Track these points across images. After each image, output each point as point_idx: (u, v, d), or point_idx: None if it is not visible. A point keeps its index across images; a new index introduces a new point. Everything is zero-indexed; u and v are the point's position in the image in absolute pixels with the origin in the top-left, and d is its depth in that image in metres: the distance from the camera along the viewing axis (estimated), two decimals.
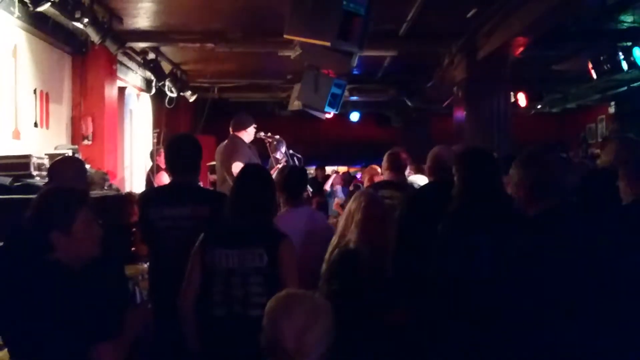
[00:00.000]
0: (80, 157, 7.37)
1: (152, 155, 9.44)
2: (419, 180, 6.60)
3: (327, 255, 4.05)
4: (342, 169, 17.26)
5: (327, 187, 13.10)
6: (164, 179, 9.07)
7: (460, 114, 9.93)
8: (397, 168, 5.70)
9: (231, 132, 7.25)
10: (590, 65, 9.72)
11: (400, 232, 4.15)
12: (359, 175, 10.70)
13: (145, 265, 5.17)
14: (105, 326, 2.74)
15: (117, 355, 2.74)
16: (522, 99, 13.09)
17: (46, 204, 2.77)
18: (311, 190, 9.06)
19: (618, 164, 3.80)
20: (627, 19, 8.36)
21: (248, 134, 7.25)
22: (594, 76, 9.82)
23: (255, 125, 7.37)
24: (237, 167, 6.75)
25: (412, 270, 3.95)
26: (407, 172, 6.23)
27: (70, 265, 2.73)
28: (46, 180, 4.91)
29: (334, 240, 4.10)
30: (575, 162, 6.99)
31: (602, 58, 9.43)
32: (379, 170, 8.67)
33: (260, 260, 3.38)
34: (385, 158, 5.80)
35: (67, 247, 2.70)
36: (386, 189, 5.47)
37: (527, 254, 2.92)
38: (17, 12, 6.68)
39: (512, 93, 11.37)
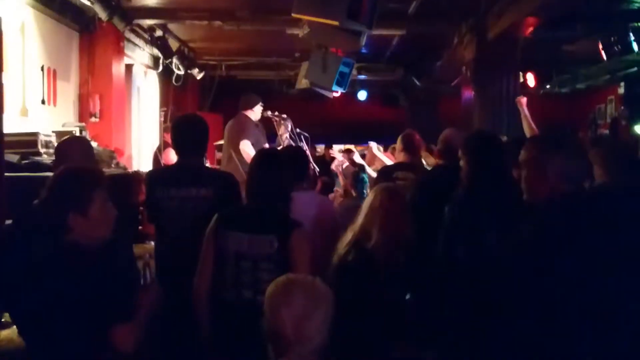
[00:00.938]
0: (87, 134, 7.38)
1: (159, 133, 9.43)
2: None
3: (341, 251, 3.91)
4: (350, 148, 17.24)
5: (334, 166, 13.06)
6: (172, 156, 9.04)
7: (468, 94, 9.88)
8: (412, 150, 5.67)
9: (239, 111, 7.26)
10: (600, 46, 9.64)
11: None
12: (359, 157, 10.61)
13: (152, 244, 5.18)
14: (121, 307, 2.75)
15: (134, 337, 2.75)
16: (530, 80, 13.02)
17: (63, 185, 2.76)
18: (318, 170, 9.04)
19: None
20: None
21: (255, 113, 7.28)
22: (604, 57, 9.74)
23: (262, 104, 7.37)
24: (244, 145, 6.77)
25: (421, 254, 3.92)
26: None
27: (86, 246, 2.72)
28: (53, 158, 4.92)
29: (349, 235, 3.94)
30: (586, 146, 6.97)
31: (612, 39, 9.34)
32: (375, 149, 8.54)
33: (270, 246, 3.36)
34: (399, 140, 5.76)
35: (84, 229, 2.70)
36: (401, 170, 5.45)
37: (534, 240, 2.89)
38: None
39: (520, 73, 11.29)
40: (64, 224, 2.67)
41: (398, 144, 5.77)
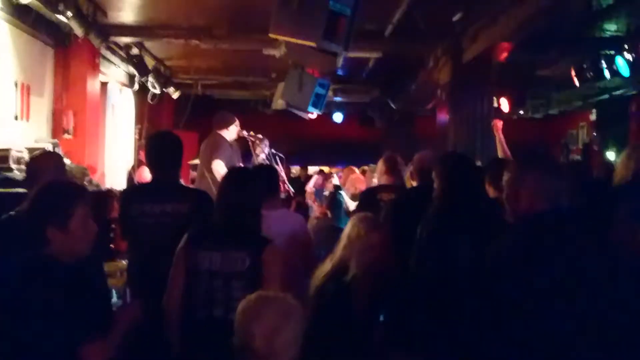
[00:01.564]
0: (60, 151, 7.31)
1: (134, 151, 9.39)
2: None
3: (318, 282, 3.88)
4: (325, 169, 17.29)
5: (309, 187, 13.05)
6: (146, 174, 9.02)
7: (443, 116, 9.96)
8: (395, 171, 5.68)
9: (213, 130, 7.25)
10: (573, 72, 9.79)
11: None
12: (337, 177, 10.64)
13: (125, 262, 5.13)
14: (94, 324, 2.72)
15: (105, 354, 2.72)
16: (504, 104, 13.14)
17: (43, 199, 2.75)
18: (293, 190, 9.04)
19: None
20: (611, 27, 8.42)
21: (230, 132, 7.27)
22: (577, 83, 9.88)
23: (237, 124, 7.37)
24: (216, 164, 6.75)
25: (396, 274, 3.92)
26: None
27: (63, 261, 2.69)
28: (24, 174, 4.86)
29: (328, 266, 3.91)
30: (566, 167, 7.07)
31: (585, 65, 9.49)
32: (358, 173, 8.65)
33: (242, 264, 3.35)
34: (381, 162, 5.78)
35: (63, 244, 2.69)
36: (385, 191, 5.47)
37: (506, 258, 2.92)
38: (0, 4, 6.61)
39: (494, 98, 11.41)
40: (43, 237, 2.65)
41: (380, 166, 5.78)
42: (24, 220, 2.77)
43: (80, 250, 2.77)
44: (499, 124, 6.16)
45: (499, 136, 6.09)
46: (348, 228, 3.96)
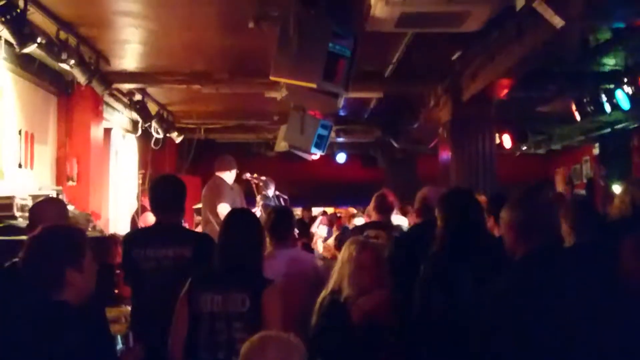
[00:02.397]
0: (64, 198, 7.32)
1: (137, 197, 9.41)
2: (399, 221, 6.71)
3: (316, 307, 3.95)
4: (329, 210, 17.26)
5: (314, 228, 13.02)
6: (149, 219, 9.02)
7: (445, 154, 9.98)
8: (384, 210, 5.77)
9: (214, 173, 7.30)
10: (573, 107, 9.81)
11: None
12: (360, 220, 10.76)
13: (128, 308, 5.10)
14: None
15: None
16: (507, 141, 13.17)
17: (58, 242, 2.79)
18: (297, 231, 9.03)
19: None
20: (609, 61, 8.47)
21: (230, 175, 7.32)
22: (578, 118, 9.90)
23: (237, 167, 7.42)
24: (222, 207, 6.77)
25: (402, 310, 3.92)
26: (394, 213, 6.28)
27: (74, 304, 2.73)
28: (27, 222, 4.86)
29: (325, 292, 3.99)
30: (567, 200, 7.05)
31: (585, 100, 9.52)
32: (354, 212, 8.67)
33: (242, 305, 3.36)
34: (373, 200, 5.87)
35: (79, 284, 2.73)
36: (372, 228, 5.54)
37: (506, 294, 2.93)
38: (3, 54, 6.69)
39: (497, 134, 11.44)
40: (59, 281, 2.67)
41: (371, 204, 5.88)
42: (33, 266, 2.76)
43: (90, 289, 2.82)
44: None
45: None
46: (341, 252, 4.08)
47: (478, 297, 3.19)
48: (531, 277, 2.89)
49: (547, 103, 10.38)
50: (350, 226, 9.46)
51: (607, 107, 9.10)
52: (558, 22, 5.13)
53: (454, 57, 8.07)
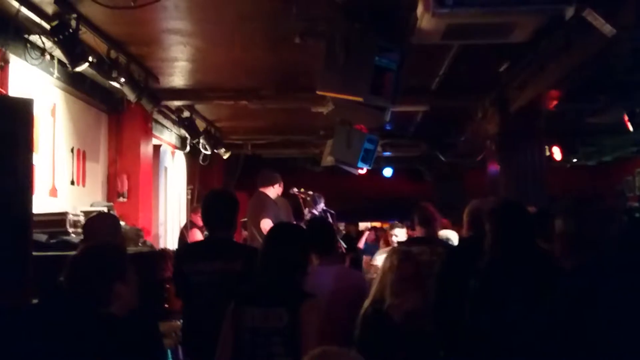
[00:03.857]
0: (115, 213, 7.44)
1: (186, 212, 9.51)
2: (449, 235, 6.59)
3: (359, 319, 3.96)
4: (378, 224, 17.20)
5: (361, 244, 12.98)
6: (197, 235, 9.12)
7: (494, 167, 9.86)
8: (426, 221, 5.67)
9: (257, 188, 7.31)
10: (626, 118, 9.62)
11: (441, 288, 4.11)
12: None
13: (179, 322, 5.14)
14: None
15: None
16: (557, 153, 12.98)
17: (103, 258, 2.92)
18: (345, 246, 9.01)
19: None
20: None
21: (274, 190, 7.31)
22: (631, 128, 9.71)
23: (281, 184, 7.40)
24: (265, 223, 6.78)
25: (451, 325, 3.88)
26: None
27: (121, 316, 2.80)
28: (81, 237, 4.95)
29: (367, 302, 4.01)
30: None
31: (638, 110, 9.34)
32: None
33: (280, 320, 3.35)
34: (414, 214, 5.78)
35: (126, 297, 2.82)
36: (416, 244, 5.43)
37: (559, 309, 2.85)
38: (56, 73, 6.86)
39: (546, 147, 11.27)
40: (107, 295, 2.76)
41: (414, 219, 5.77)
42: (81, 282, 2.82)
43: (135, 301, 2.89)
44: None
45: None
46: (382, 261, 4.14)
47: (527, 314, 3.13)
48: (580, 296, 2.79)
49: (598, 114, 10.20)
50: (390, 237, 9.38)
51: None
52: (609, 31, 5.04)
53: (501, 69, 7.98)
